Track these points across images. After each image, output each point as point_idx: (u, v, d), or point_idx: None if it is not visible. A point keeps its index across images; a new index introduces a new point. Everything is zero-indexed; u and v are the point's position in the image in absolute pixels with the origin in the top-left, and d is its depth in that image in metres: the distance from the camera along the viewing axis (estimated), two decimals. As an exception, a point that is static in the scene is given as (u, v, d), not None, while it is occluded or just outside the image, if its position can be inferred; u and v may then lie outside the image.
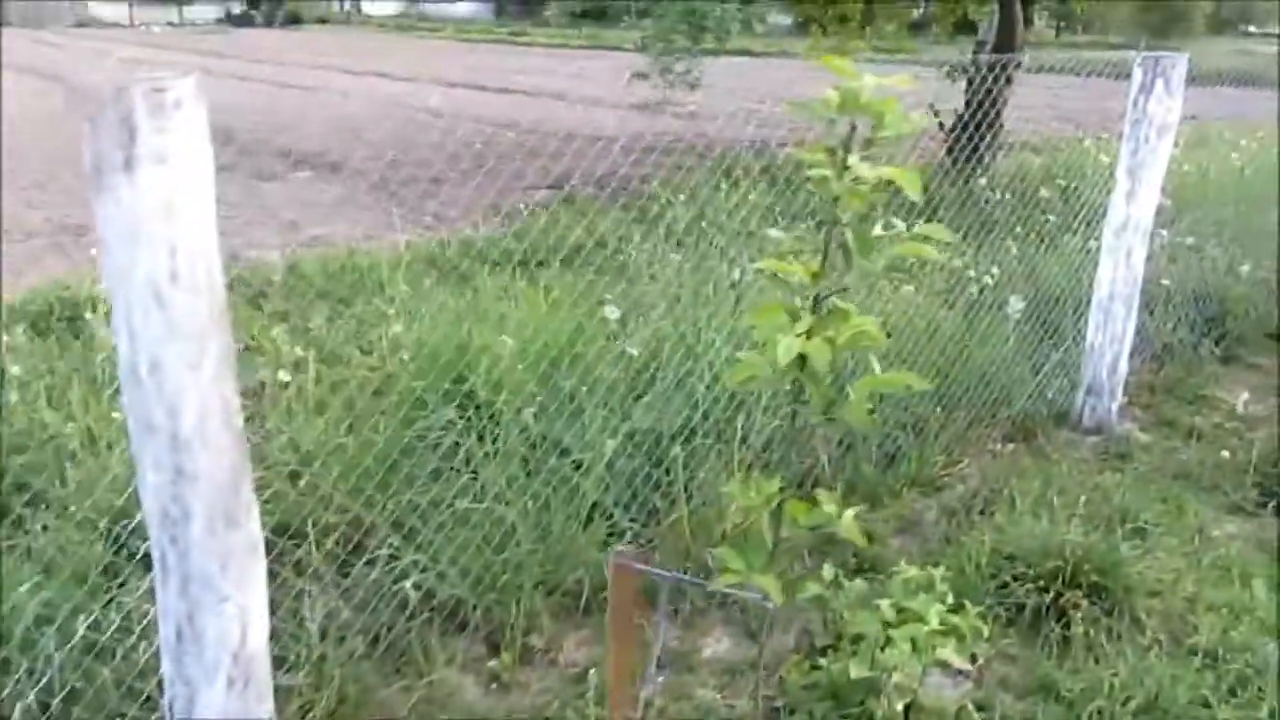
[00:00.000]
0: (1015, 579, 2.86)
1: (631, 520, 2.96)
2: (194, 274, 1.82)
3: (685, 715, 2.38)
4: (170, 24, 54.06)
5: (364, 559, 2.57)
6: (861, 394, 1.58)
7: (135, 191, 1.72)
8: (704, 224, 6.27)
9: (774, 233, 1.59)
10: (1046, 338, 4.48)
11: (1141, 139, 3.65)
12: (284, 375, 3.56)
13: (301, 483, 2.84)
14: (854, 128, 1.46)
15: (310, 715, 2.31)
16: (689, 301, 3.87)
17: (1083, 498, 3.36)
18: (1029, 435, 4.01)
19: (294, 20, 57.37)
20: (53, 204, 7.79)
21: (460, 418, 3.00)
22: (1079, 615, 2.73)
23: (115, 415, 3.27)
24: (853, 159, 1.45)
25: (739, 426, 3.19)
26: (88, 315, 4.36)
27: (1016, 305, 4.31)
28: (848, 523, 1.76)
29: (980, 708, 2.48)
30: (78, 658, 2.25)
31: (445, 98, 16.25)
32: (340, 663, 2.39)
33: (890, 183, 1.50)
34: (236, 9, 60.16)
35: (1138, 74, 3.61)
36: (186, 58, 26.56)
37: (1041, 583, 2.83)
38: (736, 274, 4.30)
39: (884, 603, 2.39)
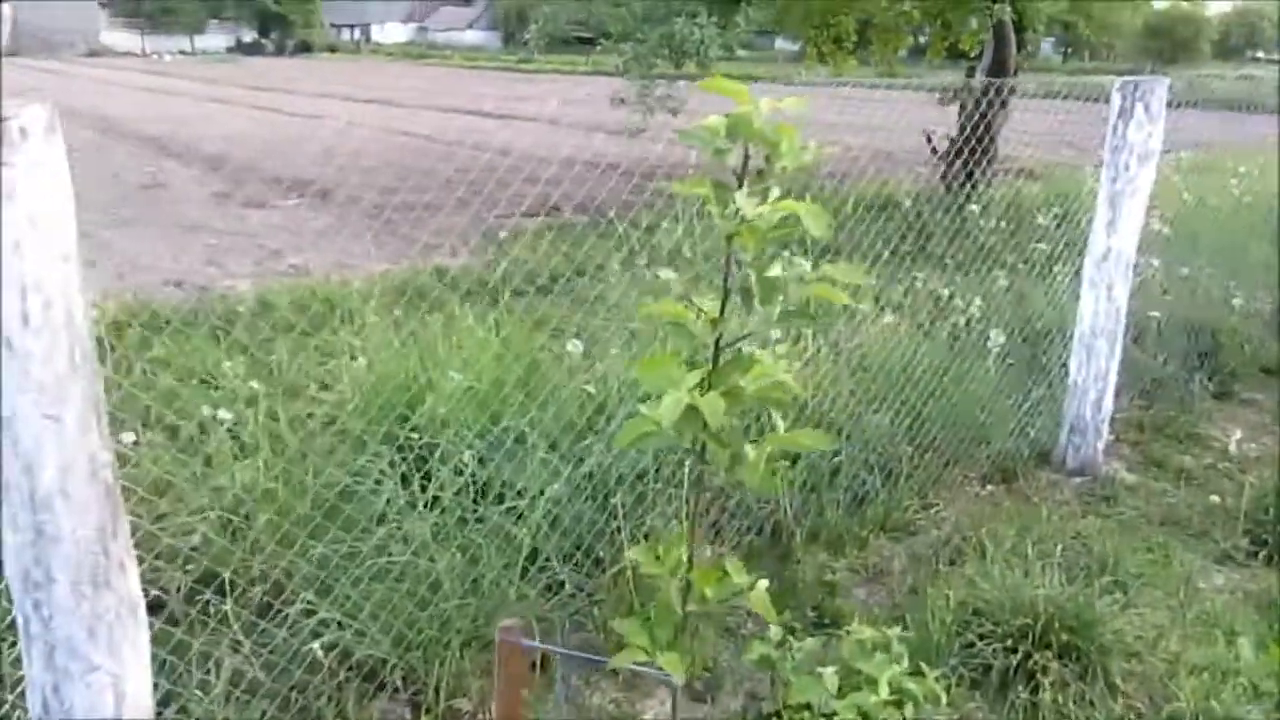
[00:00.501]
0: (982, 637, 2.67)
1: (575, 569, 2.79)
2: (50, 317, 1.66)
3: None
4: (182, 52, 54.64)
5: (276, 614, 2.40)
6: (760, 455, 1.42)
7: (-21, 228, 1.58)
8: (686, 251, 6.13)
9: (666, 273, 1.44)
10: (1031, 373, 4.30)
11: (1121, 166, 3.48)
12: (224, 413, 3.40)
13: (228, 531, 2.68)
14: (747, 158, 1.31)
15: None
16: (651, 335, 3.71)
17: (1061, 546, 3.17)
18: (1009, 476, 3.83)
19: (304, 48, 57.95)
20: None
21: (398, 459, 2.84)
22: (1048, 680, 2.54)
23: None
24: (739, 194, 1.29)
25: (691, 470, 3.01)
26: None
27: (997, 339, 4.14)
28: (758, 596, 1.59)
29: (934, 783, 2.29)
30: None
31: (444, 124, 16.21)
32: (245, 730, 2.22)
33: (792, 218, 1.35)
34: (248, 37, 60.85)
35: (1116, 98, 3.45)
36: (193, 85, 26.71)
37: (1010, 642, 2.64)
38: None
39: (828, 670, 2.21)
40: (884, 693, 2.23)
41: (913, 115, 9.00)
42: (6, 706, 2.10)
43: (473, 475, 2.85)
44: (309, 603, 2.41)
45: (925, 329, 4.29)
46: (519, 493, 2.79)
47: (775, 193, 1.37)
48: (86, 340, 1.76)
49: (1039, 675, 2.57)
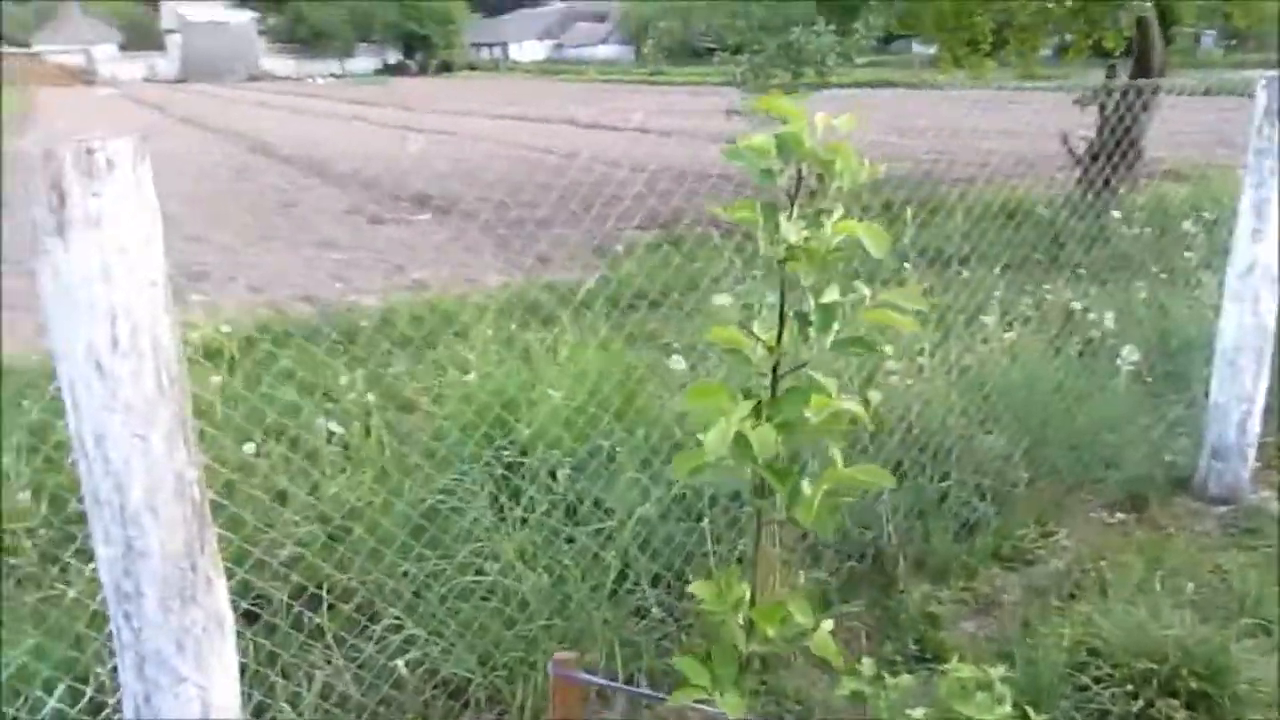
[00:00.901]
0: (1099, 680, 2.48)
1: (666, 592, 2.74)
2: (137, 341, 1.72)
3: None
4: (333, 75, 57.35)
5: (363, 629, 2.44)
6: (817, 491, 1.34)
7: (69, 257, 1.64)
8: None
9: (721, 299, 1.37)
10: (1169, 392, 4.02)
11: (1266, 171, 3.20)
12: (335, 426, 3.50)
13: (316, 545, 2.74)
14: (800, 177, 1.24)
15: (294, 800, 2.18)
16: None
17: (1195, 581, 2.94)
18: (1141, 503, 3.57)
19: (445, 68, 60.02)
20: (183, 249, 8.18)
21: (490, 476, 2.86)
22: (1173, 731, 2.34)
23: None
24: (782, 218, 1.22)
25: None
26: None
27: (1131, 355, 3.88)
28: (821, 638, 1.51)
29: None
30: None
31: (567, 138, 16.44)
32: (332, 744, 2.26)
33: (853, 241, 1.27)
34: (393, 59, 63.43)
35: (1261, 96, 3.18)
36: (338, 106, 27.99)
37: (1131, 686, 2.44)
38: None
39: (918, 712, 2.09)
40: (981, 738, 2.10)
41: (1052, 118, 8.61)
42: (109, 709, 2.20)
43: (563, 494, 2.84)
44: (396, 619, 2.44)
45: (1053, 344, 4.06)
46: (607, 513, 2.76)
47: (838, 212, 1.30)
48: (174, 364, 1.81)
49: (1161, 723, 2.37)
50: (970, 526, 3.18)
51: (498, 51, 69.37)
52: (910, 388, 3.41)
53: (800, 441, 1.38)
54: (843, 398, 1.43)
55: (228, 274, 7.04)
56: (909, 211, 5.34)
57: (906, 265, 5.88)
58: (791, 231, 1.20)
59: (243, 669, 2.34)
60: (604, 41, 67.37)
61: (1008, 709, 2.23)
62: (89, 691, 2.12)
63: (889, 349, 3.06)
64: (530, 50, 69.19)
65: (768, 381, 1.37)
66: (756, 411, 1.31)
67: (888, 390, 3.51)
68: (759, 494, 1.39)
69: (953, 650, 2.65)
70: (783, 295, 1.31)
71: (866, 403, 1.44)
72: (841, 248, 1.26)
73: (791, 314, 1.31)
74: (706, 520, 2.72)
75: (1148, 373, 4.15)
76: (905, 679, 2.30)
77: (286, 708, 2.24)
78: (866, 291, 1.31)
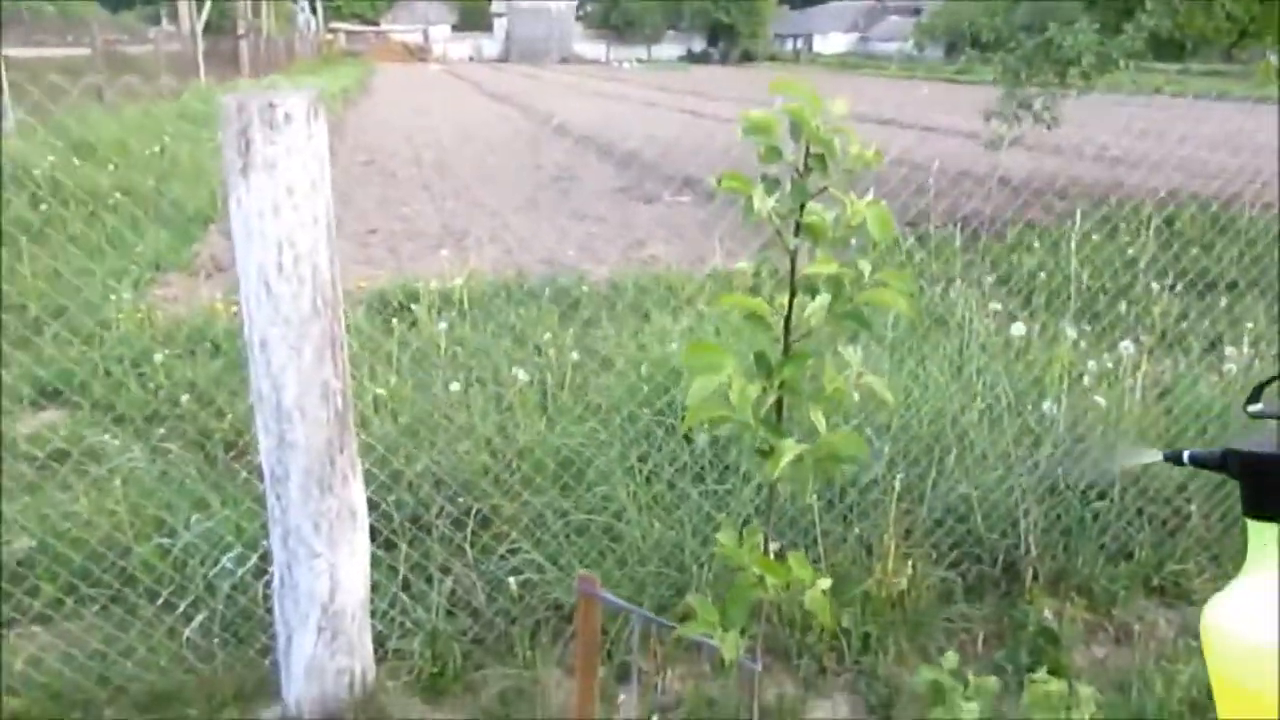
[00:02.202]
0: (1216, 724, 2.32)
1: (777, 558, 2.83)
2: (299, 268, 2.08)
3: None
4: (639, 60, 59.54)
5: (492, 551, 2.73)
6: (789, 450, 1.40)
7: (250, 194, 2.02)
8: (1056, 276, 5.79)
9: (741, 265, 1.43)
10: None
11: None
12: (521, 374, 3.85)
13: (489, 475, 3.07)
14: (808, 155, 1.31)
15: (410, 678, 2.51)
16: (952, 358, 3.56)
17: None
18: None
19: (746, 58, 60.68)
20: (459, 212, 9.03)
21: (635, 433, 3.07)
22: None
23: (403, 391, 3.76)
24: (757, 192, 1.30)
25: (923, 491, 2.92)
26: (413, 306, 5.03)
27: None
28: (814, 596, 1.57)
29: None
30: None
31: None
32: (451, 638, 2.57)
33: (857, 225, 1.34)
34: (697, 47, 64.90)
35: None
36: (636, 90, 29.15)
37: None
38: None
39: (971, 704, 2.08)
40: (1041, 747, 2.06)
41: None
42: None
43: (700, 455, 3.00)
44: (522, 547, 2.72)
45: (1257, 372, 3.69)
46: (735, 475, 2.89)
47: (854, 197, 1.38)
48: (329, 289, 2.16)
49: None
50: (1128, 553, 3.01)
51: (801, 43, 69.13)
52: (1093, 401, 3.26)
53: (803, 406, 1.46)
54: (863, 372, 1.50)
55: (487, 236, 7.71)
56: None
57: (1154, 286, 5.50)
58: (763, 203, 1.30)
59: (391, 569, 2.71)
60: (937, 42, 65.26)
61: (1086, 725, 2.16)
62: (253, 558, 2.55)
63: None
64: (835, 42, 68.35)
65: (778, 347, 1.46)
66: (768, 375, 1.42)
67: (1080, 400, 3.39)
68: (762, 453, 1.49)
69: (1072, 672, 2.56)
70: (793, 265, 1.40)
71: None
72: (855, 225, 1.34)
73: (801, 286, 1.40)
74: (821, 499, 2.78)
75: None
76: (989, 681, 2.29)
77: (407, 599, 2.58)
78: (867, 268, 1.37)
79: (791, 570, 1.59)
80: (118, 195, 8.58)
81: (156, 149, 10.66)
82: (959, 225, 7.20)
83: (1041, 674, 2.30)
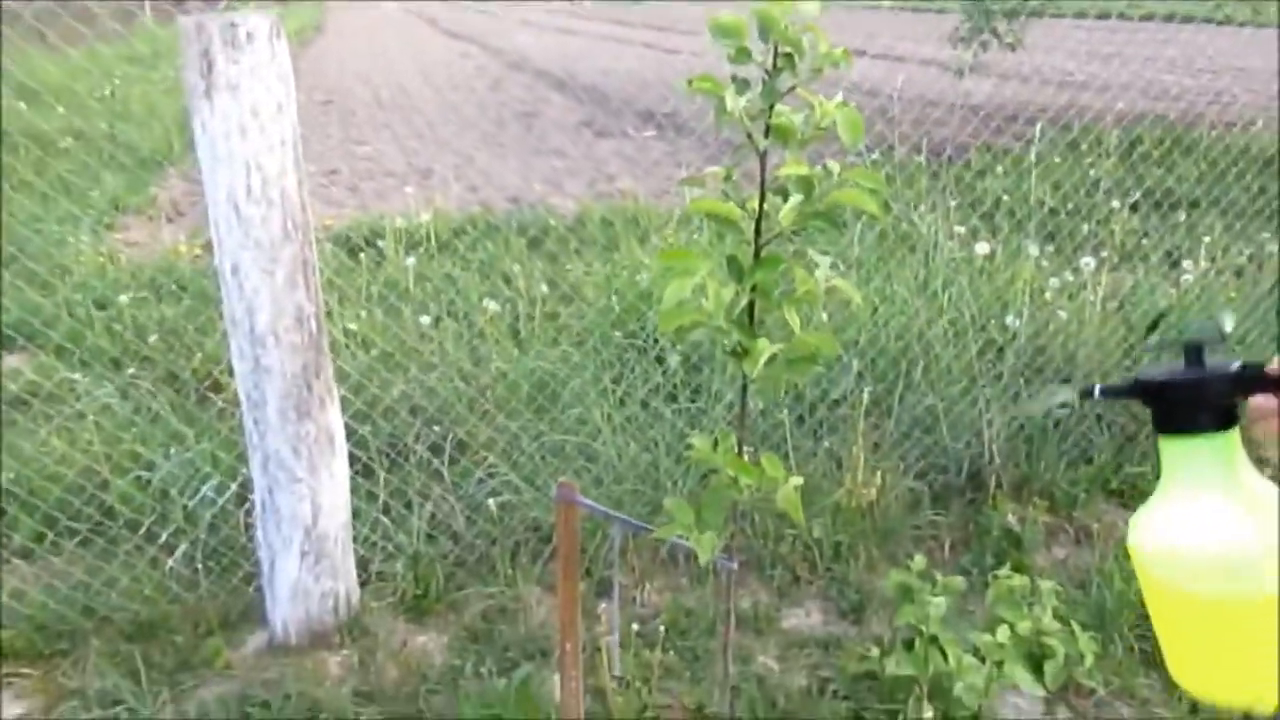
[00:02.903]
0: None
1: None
2: (268, 191, 2.08)
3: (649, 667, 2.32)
4: (598, -5, 58.17)
5: (470, 474, 2.78)
6: (763, 350, 1.44)
7: (214, 116, 2.01)
8: (1018, 199, 5.85)
9: (710, 170, 1.46)
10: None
11: None
12: (492, 305, 3.86)
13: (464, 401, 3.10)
14: (776, 56, 1.33)
15: (394, 599, 2.56)
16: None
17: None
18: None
19: (707, -12, 59.63)
20: (421, 151, 8.91)
21: (606, 356, 3.11)
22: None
23: (369, 328, 3.76)
24: (728, 93, 1.32)
25: (890, 405, 2.99)
26: (379, 242, 5.00)
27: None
28: (786, 494, 1.62)
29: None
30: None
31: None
32: (433, 560, 2.62)
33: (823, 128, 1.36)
34: (657, -21, 63.62)
35: None
36: (600, 27, 28.67)
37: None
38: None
39: (938, 599, 2.16)
40: (1002, 636, 2.15)
41: None
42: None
43: (673, 375, 3.04)
44: (500, 469, 2.76)
45: (1246, 294, 3.78)
46: (706, 394, 2.94)
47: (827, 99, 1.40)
48: (299, 212, 2.15)
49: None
50: (1088, 458, 3.11)
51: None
52: (1055, 311, 3.34)
53: (773, 307, 1.50)
54: (831, 276, 1.54)
55: (453, 175, 7.62)
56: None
57: (1115, 204, 5.58)
58: (734, 103, 1.32)
59: (370, 495, 2.74)
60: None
61: (1048, 619, 2.26)
62: (233, 487, 2.57)
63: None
64: (795, -28, 67.33)
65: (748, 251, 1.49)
66: (737, 276, 1.45)
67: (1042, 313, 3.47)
68: (736, 354, 1.53)
69: (1034, 571, 2.66)
70: (763, 166, 1.43)
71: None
72: (824, 128, 1.36)
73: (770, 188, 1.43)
74: (791, 415, 2.84)
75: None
76: (956, 580, 2.37)
77: (387, 521, 2.62)
78: (836, 168, 1.40)
79: (764, 471, 1.63)
80: (69, 140, 8.38)
81: (107, 91, 10.38)
82: (924, 152, 7.25)
83: (1005, 571, 2.39)
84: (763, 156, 1.45)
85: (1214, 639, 0.85)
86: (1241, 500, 0.84)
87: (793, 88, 1.39)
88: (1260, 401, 0.86)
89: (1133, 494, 3.08)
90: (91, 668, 2.33)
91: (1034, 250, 4.05)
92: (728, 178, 1.48)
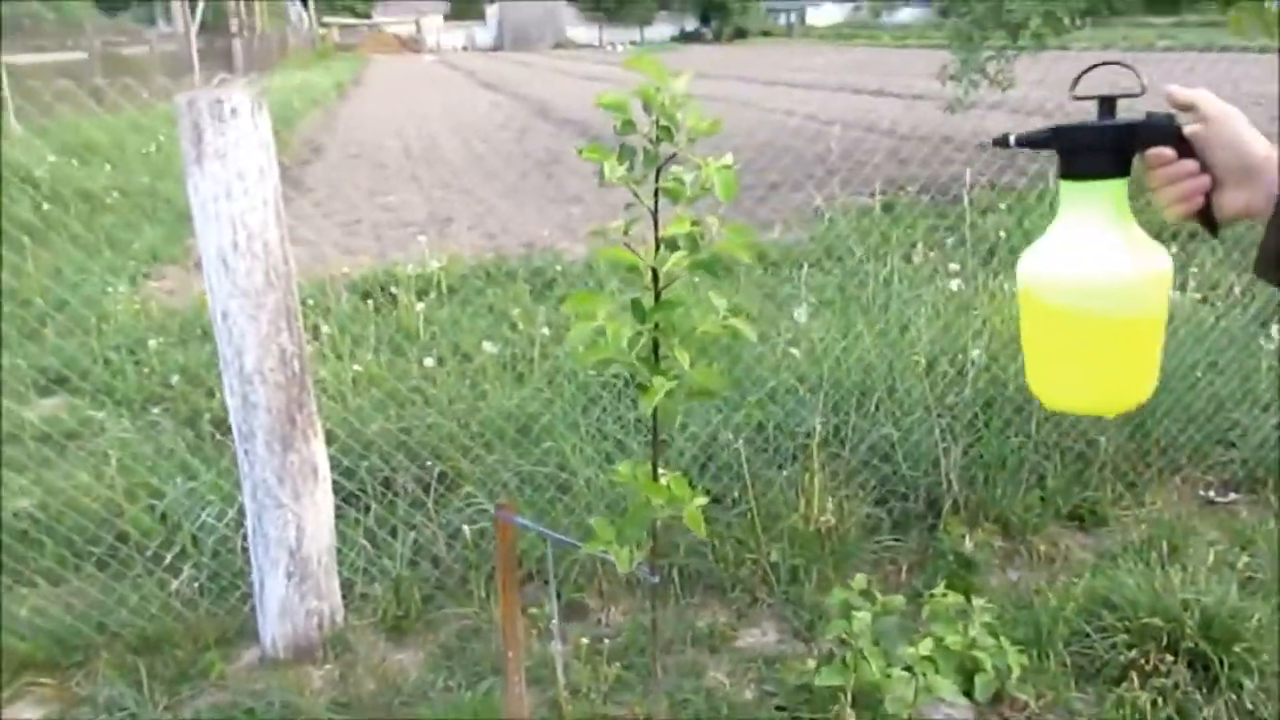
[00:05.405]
0: (1103, 630, 2.57)
1: (713, 504, 3.08)
2: (252, 245, 2.33)
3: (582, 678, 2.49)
4: (633, 43, 59.37)
5: (449, 504, 3.00)
6: (661, 386, 1.63)
7: (205, 180, 2.27)
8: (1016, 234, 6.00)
9: (614, 224, 1.67)
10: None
11: None
12: (490, 347, 4.10)
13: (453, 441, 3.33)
14: (658, 127, 1.55)
15: (375, 619, 2.77)
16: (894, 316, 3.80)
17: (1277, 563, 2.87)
18: (1262, 488, 3.43)
19: (739, 34, 60.51)
20: (444, 200, 9.26)
21: (586, 393, 3.32)
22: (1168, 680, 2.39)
23: (375, 369, 4.02)
24: (609, 163, 1.54)
25: (846, 434, 3.16)
26: (393, 289, 5.29)
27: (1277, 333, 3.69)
28: (691, 513, 1.81)
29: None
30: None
31: (829, 104, 16.40)
32: (414, 584, 2.83)
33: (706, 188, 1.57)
34: (690, 26, 64.71)
35: None
36: (627, 73, 29.24)
37: (1128, 638, 2.51)
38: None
39: (863, 613, 2.33)
40: (925, 649, 2.30)
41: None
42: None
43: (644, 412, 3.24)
44: (474, 499, 2.98)
45: (1198, 320, 3.91)
46: (678, 431, 3.14)
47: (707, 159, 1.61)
48: (281, 264, 2.41)
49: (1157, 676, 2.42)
50: (1042, 485, 3.25)
51: (794, 17, 68.89)
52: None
53: (671, 346, 1.70)
54: (729, 316, 1.75)
55: (471, 221, 7.94)
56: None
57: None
58: (611, 171, 1.54)
59: (357, 523, 2.96)
60: (908, 3, 65.06)
61: (975, 633, 2.41)
62: (230, 512, 2.81)
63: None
64: (829, 13, 68.13)
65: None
66: (640, 317, 1.66)
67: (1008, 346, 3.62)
68: (641, 388, 1.74)
69: (980, 592, 2.80)
70: (656, 220, 1.65)
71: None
72: (708, 189, 1.58)
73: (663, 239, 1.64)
74: (749, 446, 3.03)
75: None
76: (896, 599, 2.54)
77: (370, 548, 2.84)
78: (715, 223, 1.61)
79: (672, 491, 1.83)
80: (115, 194, 8.86)
81: (152, 148, 10.92)
82: (932, 191, 7.44)
83: (939, 590, 2.55)
84: (654, 214, 1.66)
85: (1078, 354, 1.06)
86: (1124, 238, 1.02)
87: (673, 155, 1.61)
88: (1158, 151, 1.01)
89: (1089, 519, 3.22)
90: (101, 678, 2.56)
91: (1008, 286, 4.22)
92: (625, 231, 1.70)
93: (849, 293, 4.15)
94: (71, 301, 5.29)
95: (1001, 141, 1.14)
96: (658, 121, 1.59)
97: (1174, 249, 5.51)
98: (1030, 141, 1.09)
